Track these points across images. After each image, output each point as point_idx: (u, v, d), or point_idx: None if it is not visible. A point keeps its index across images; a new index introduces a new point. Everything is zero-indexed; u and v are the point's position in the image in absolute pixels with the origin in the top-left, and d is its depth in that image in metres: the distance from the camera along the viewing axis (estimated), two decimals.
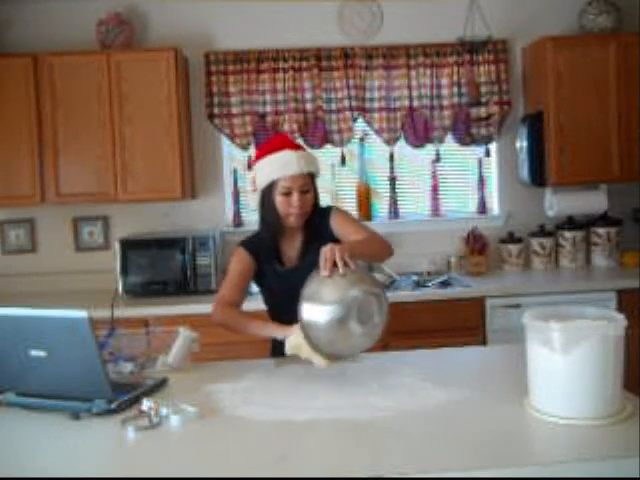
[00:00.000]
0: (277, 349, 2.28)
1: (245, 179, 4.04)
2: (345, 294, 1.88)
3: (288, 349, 1.98)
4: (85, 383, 1.79)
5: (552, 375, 1.58)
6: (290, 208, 2.20)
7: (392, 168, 4.02)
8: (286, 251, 2.32)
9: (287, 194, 2.19)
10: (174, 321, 2.55)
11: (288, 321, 2.23)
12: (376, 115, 3.92)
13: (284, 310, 2.28)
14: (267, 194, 2.23)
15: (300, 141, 3.89)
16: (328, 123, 3.91)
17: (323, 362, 1.93)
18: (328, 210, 2.33)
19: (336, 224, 2.29)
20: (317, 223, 2.29)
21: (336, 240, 2.25)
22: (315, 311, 1.89)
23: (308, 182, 2.22)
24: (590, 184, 3.91)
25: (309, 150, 2.37)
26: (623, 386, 1.61)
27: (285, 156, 2.19)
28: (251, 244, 2.32)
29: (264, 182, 2.23)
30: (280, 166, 2.18)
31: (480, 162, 4.05)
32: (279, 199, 2.20)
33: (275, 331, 2.13)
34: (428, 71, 3.90)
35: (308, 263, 2.23)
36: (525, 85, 4.03)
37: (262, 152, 2.28)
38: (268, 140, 2.39)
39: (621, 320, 1.59)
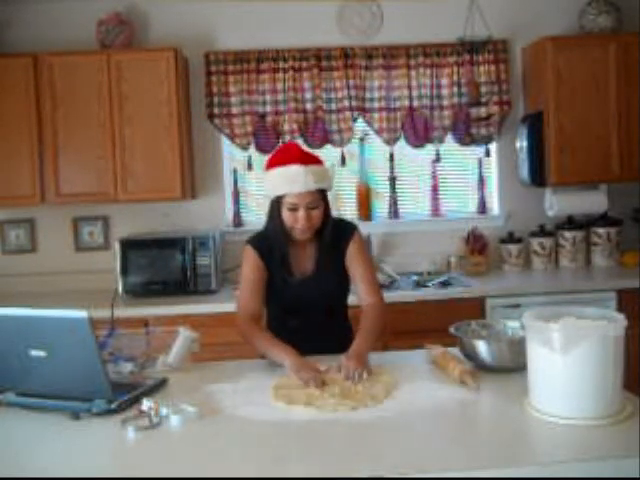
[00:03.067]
0: None
1: (245, 179, 4.04)
2: None
3: (273, 395, 1.87)
4: (85, 383, 1.79)
5: (552, 375, 1.58)
6: (296, 223, 2.17)
7: (392, 168, 4.02)
8: (296, 259, 2.28)
9: (294, 209, 2.15)
10: (174, 321, 2.56)
11: (292, 327, 2.27)
12: (376, 115, 3.92)
13: (288, 316, 2.30)
14: (274, 206, 2.20)
15: (300, 141, 3.89)
16: (328, 123, 3.91)
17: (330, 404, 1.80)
18: (351, 229, 2.31)
19: (351, 253, 2.27)
20: (333, 236, 2.25)
21: (342, 258, 2.26)
22: None
23: (316, 198, 2.17)
24: (590, 184, 3.91)
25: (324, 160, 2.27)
26: (623, 386, 1.61)
27: (293, 172, 2.12)
28: (260, 244, 2.27)
29: (271, 194, 2.20)
30: (287, 182, 2.12)
31: (480, 162, 4.05)
32: (286, 213, 2.17)
33: (276, 356, 2.08)
34: (428, 71, 3.90)
35: (320, 275, 2.26)
36: (525, 85, 4.03)
37: (273, 161, 2.21)
38: (281, 148, 2.31)
39: (621, 320, 1.59)
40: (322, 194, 2.20)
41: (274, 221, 2.21)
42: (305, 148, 2.29)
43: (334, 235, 2.26)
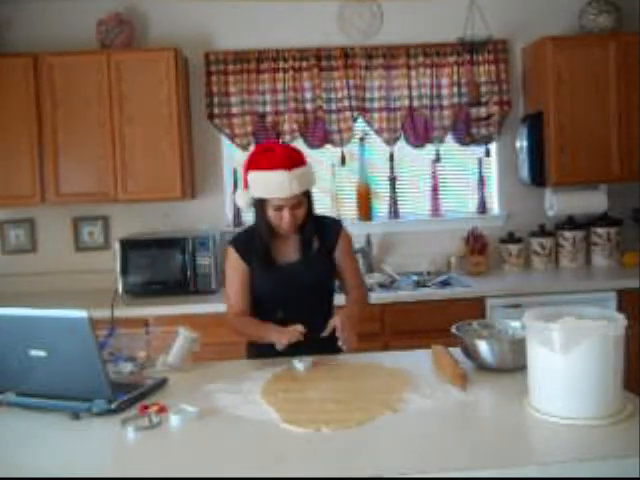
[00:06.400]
0: (251, 352, 2.38)
1: None
2: None
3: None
4: (85, 383, 1.79)
5: (552, 375, 1.58)
6: (282, 222, 2.23)
7: (392, 168, 4.02)
8: (280, 249, 2.33)
9: (279, 209, 2.22)
10: (174, 321, 2.55)
11: (280, 320, 2.26)
12: (376, 115, 3.91)
13: (276, 307, 2.31)
14: (260, 206, 2.25)
15: (300, 141, 3.89)
16: (328, 123, 3.91)
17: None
18: (338, 226, 2.40)
19: (341, 249, 2.37)
20: (316, 229, 2.33)
21: (331, 251, 2.33)
22: None
23: (301, 199, 2.24)
24: (590, 184, 3.91)
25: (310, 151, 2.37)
26: (623, 386, 1.61)
27: (278, 178, 2.16)
28: (242, 243, 2.34)
29: (257, 195, 2.24)
30: (273, 188, 2.18)
31: (480, 162, 4.05)
32: (271, 213, 2.23)
33: (270, 334, 2.17)
34: (428, 71, 3.90)
35: (304, 262, 2.31)
36: (525, 85, 4.03)
37: (258, 163, 2.21)
38: (265, 149, 2.27)
39: (621, 320, 1.59)
40: (306, 193, 2.28)
41: (259, 220, 2.28)
42: (286, 147, 2.37)
43: (318, 229, 2.34)
